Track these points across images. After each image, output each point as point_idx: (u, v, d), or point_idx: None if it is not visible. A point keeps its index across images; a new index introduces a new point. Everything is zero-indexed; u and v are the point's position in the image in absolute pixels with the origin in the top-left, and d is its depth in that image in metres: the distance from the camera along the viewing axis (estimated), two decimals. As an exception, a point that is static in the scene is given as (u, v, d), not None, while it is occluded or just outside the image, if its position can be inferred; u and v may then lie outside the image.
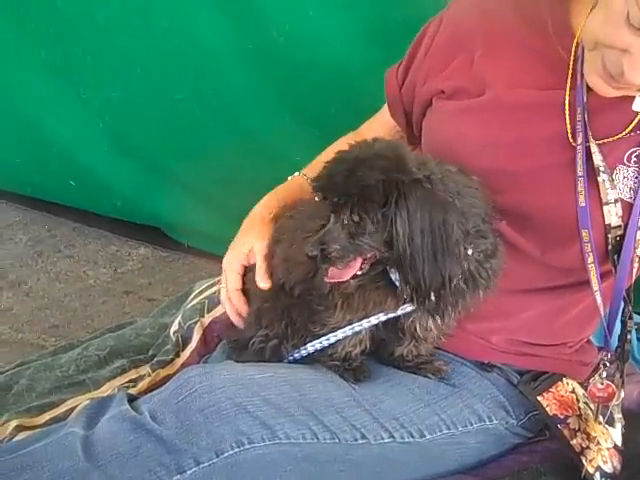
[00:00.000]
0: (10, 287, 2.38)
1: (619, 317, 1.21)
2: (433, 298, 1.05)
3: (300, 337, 1.24)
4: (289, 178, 1.40)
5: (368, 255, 1.06)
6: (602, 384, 1.21)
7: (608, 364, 1.21)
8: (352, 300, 1.15)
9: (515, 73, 1.19)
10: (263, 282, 1.27)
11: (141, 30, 2.12)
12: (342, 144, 1.26)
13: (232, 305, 1.34)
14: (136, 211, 2.56)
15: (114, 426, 1.11)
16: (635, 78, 0.98)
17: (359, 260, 1.07)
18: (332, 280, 1.09)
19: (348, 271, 1.07)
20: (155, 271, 2.48)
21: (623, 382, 1.21)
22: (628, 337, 1.20)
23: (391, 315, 1.16)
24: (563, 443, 1.22)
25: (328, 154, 1.29)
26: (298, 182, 1.38)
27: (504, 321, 1.25)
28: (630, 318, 1.20)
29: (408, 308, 1.13)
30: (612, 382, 1.21)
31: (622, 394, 1.21)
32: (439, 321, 1.16)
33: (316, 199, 1.14)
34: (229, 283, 1.35)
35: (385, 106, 1.43)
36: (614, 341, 1.24)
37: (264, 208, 1.38)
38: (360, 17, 1.85)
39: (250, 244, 1.32)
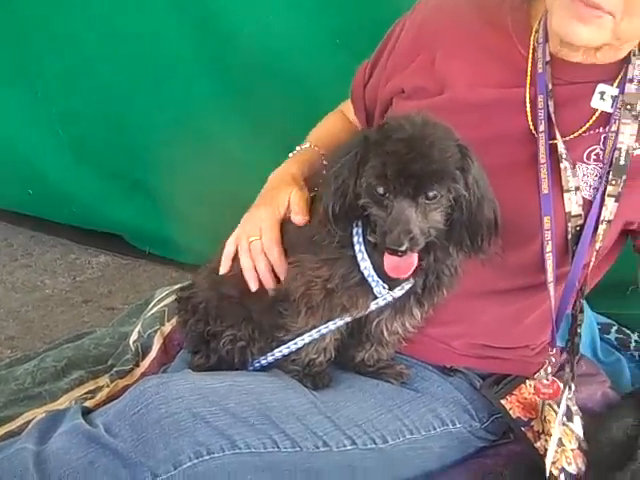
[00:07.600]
0: (-35, 298, 2.32)
1: (569, 310, 1.21)
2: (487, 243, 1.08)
3: (266, 340, 1.23)
4: (298, 149, 1.33)
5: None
6: (547, 380, 1.22)
7: (553, 359, 1.21)
8: (316, 309, 1.14)
9: (476, 72, 1.21)
10: (300, 217, 1.17)
11: (100, 38, 2.12)
12: (337, 121, 1.43)
13: (266, 260, 1.20)
14: (96, 218, 2.52)
15: (67, 441, 1.08)
16: None
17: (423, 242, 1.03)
18: (403, 275, 1.05)
19: (413, 257, 1.04)
20: (115, 279, 2.43)
21: (574, 376, 1.20)
22: (578, 330, 1.20)
23: (356, 315, 1.15)
24: (527, 445, 1.22)
25: (328, 125, 1.39)
26: (306, 157, 1.32)
27: (464, 325, 1.25)
28: (581, 312, 1.20)
29: (373, 306, 1.12)
30: (560, 377, 1.21)
31: (573, 387, 1.20)
32: (418, 316, 1.16)
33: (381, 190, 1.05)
34: (266, 234, 1.19)
35: None
36: (564, 335, 1.24)
37: (293, 170, 1.27)
38: (323, 23, 1.85)
39: (287, 193, 1.20)
